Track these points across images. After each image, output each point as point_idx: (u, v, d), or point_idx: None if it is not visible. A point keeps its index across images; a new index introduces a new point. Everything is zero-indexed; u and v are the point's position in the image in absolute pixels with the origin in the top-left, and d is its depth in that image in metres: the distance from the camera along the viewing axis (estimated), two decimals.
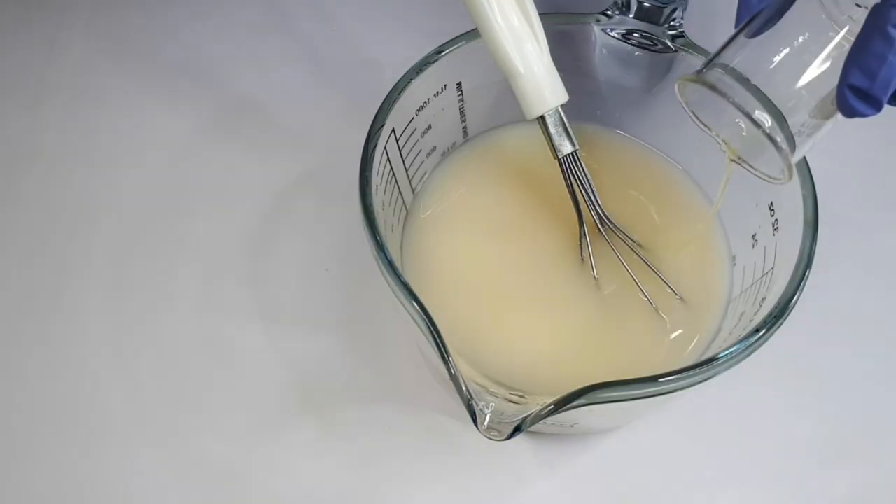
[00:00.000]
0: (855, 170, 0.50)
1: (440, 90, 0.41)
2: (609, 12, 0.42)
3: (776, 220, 0.38)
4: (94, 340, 0.44)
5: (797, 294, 0.34)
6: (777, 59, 0.32)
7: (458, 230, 0.43)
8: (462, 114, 0.44)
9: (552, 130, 0.39)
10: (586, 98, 0.45)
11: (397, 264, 0.33)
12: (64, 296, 0.45)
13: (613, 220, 0.41)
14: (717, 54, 0.34)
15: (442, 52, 0.40)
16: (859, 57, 0.28)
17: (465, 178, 0.45)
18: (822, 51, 0.31)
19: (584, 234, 0.41)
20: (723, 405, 0.42)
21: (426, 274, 0.42)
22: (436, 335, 0.31)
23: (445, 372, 0.30)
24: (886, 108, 0.31)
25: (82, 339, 0.44)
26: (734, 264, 0.42)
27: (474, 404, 0.30)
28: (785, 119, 0.32)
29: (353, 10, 0.57)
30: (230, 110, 0.52)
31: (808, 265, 0.34)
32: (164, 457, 0.41)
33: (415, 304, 0.32)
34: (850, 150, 0.50)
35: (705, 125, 0.36)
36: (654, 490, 0.40)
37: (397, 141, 0.39)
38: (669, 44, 0.41)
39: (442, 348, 0.30)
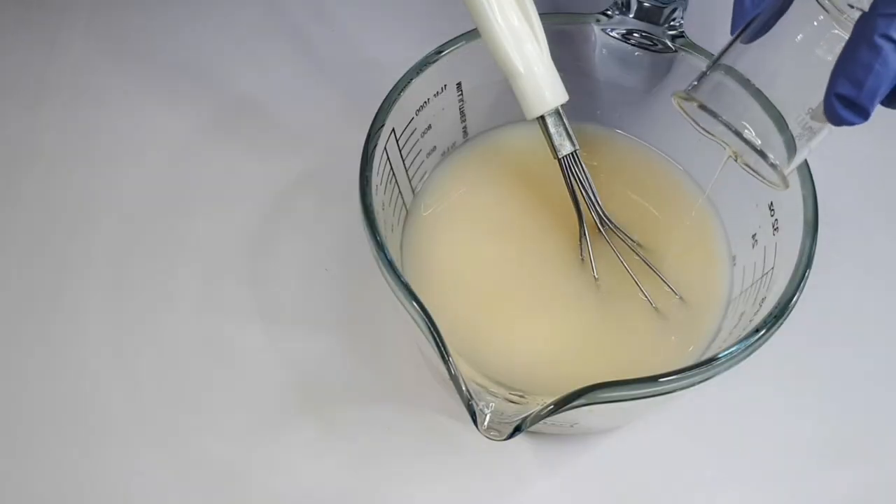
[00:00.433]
0: (855, 170, 0.50)
1: (440, 90, 0.41)
2: (609, 12, 0.42)
3: (776, 220, 0.38)
4: (94, 340, 0.44)
5: (797, 294, 0.34)
6: (776, 61, 0.32)
7: (458, 230, 0.43)
8: (462, 114, 0.44)
9: (552, 130, 0.39)
10: (586, 98, 0.45)
11: (397, 264, 0.33)
12: (64, 296, 0.45)
13: (613, 220, 0.41)
14: (714, 63, 0.34)
15: (442, 52, 0.40)
16: (846, 66, 0.29)
17: (465, 178, 0.45)
18: (821, 51, 0.31)
19: (584, 234, 0.41)
20: (723, 405, 0.42)
21: (426, 274, 0.42)
22: (436, 335, 0.31)
23: (445, 372, 0.30)
24: (886, 109, 0.31)
25: (82, 339, 0.44)
26: (734, 264, 0.42)
27: (474, 404, 0.30)
28: (786, 123, 0.32)
29: (353, 10, 0.57)
30: (230, 110, 0.52)
31: (808, 265, 0.34)
32: (164, 457, 0.41)
33: (415, 304, 0.32)
34: (850, 150, 0.50)
35: (706, 131, 0.36)
36: (654, 490, 0.40)
37: (397, 141, 0.39)
38: (669, 44, 0.41)
39: (442, 348, 0.30)
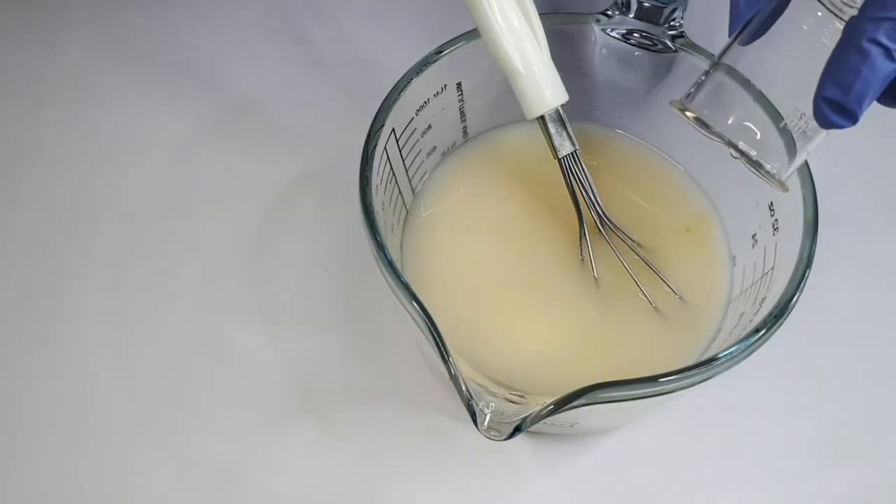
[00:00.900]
0: (855, 170, 0.50)
1: (440, 90, 0.41)
2: (609, 12, 0.42)
3: (776, 220, 0.38)
4: (94, 340, 0.44)
5: (797, 294, 0.34)
6: (775, 61, 0.32)
7: (458, 230, 0.43)
8: (462, 114, 0.44)
9: (552, 130, 0.39)
10: (586, 98, 0.45)
11: (397, 264, 0.33)
12: (64, 296, 0.45)
13: (613, 220, 0.41)
14: (712, 67, 0.34)
15: (442, 52, 0.40)
16: (834, 70, 0.29)
17: (465, 178, 0.45)
18: (820, 50, 0.31)
19: (584, 234, 0.41)
20: (723, 405, 0.42)
21: (426, 274, 0.42)
22: (436, 335, 0.31)
23: (445, 372, 0.30)
24: (886, 109, 0.31)
25: (82, 339, 0.44)
26: (734, 264, 0.42)
27: (474, 404, 0.30)
28: (785, 124, 0.32)
29: (353, 10, 0.57)
30: (230, 110, 0.52)
31: (808, 265, 0.34)
32: (164, 457, 0.41)
33: (415, 304, 0.32)
34: (850, 150, 0.50)
35: (705, 132, 0.36)
36: (654, 490, 0.40)
37: (397, 141, 0.39)
38: (669, 44, 0.41)
39: (442, 348, 0.30)
